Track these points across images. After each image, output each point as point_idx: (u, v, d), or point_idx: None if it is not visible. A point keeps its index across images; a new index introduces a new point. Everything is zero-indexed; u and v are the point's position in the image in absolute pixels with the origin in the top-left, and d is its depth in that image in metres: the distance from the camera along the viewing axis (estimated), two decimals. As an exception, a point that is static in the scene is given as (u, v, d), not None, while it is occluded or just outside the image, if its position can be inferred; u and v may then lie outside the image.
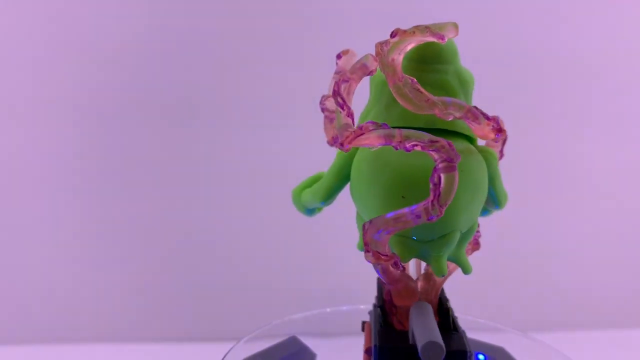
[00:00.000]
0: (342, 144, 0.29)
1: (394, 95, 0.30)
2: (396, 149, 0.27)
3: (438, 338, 0.27)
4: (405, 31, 0.29)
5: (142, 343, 0.66)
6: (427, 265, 0.33)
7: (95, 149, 0.65)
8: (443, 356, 0.26)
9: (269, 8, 0.64)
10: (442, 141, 0.26)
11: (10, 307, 0.67)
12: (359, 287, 0.39)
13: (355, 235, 0.33)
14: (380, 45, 0.30)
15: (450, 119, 0.29)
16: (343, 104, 0.30)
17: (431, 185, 0.27)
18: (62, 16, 0.63)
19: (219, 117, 0.65)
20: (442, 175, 0.26)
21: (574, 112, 0.68)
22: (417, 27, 0.29)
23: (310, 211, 0.38)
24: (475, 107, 0.29)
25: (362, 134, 0.28)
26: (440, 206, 0.26)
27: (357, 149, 0.33)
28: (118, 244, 0.67)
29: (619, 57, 0.67)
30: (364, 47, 0.35)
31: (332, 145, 0.29)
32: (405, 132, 0.27)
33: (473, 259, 0.32)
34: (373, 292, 0.38)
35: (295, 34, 0.65)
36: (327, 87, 0.35)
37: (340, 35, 0.63)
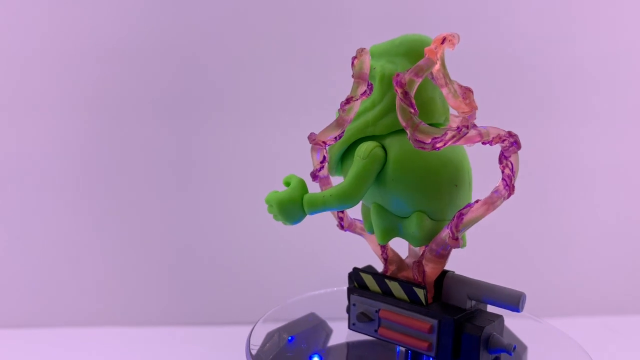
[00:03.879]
0: (444, 144, 0.30)
1: (446, 94, 0.33)
2: (484, 144, 0.31)
3: (516, 290, 0.33)
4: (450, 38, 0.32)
5: (164, 327, 0.70)
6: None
7: (104, 143, 0.67)
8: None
9: (269, 7, 0.65)
10: (515, 134, 0.32)
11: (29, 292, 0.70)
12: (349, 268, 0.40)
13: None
14: (435, 50, 0.32)
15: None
16: (415, 106, 0.31)
17: (506, 170, 0.32)
18: (63, 14, 0.64)
19: (223, 113, 0.67)
20: (514, 158, 0.32)
21: (577, 107, 0.70)
22: (453, 35, 0.33)
23: (300, 220, 0.35)
24: None
25: (467, 134, 0.30)
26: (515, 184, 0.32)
27: (384, 150, 0.34)
28: (136, 235, 0.69)
29: (617, 56, 0.70)
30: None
31: (427, 146, 0.30)
32: (491, 128, 0.31)
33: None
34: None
35: (295, 33, 0.66)
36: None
37: (340, 34, 0.64)
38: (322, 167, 0.37)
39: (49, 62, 0.65)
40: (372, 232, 0.38)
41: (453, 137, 0.30)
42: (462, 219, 0.32)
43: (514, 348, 0.34)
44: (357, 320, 0.38)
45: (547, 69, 0.69)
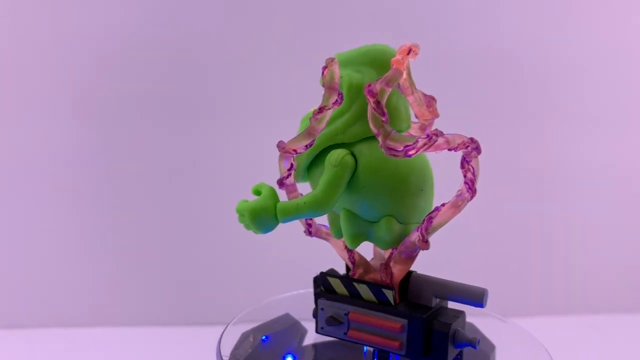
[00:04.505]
0: (417, 151, 0.31)
1: (412, 102, 0.34)
2: (449, 150, 0.33)
3: (479, 287, 0.35)
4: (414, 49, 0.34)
5: (139, 327, 0.71)
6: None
7: (89, 145, 0.69)
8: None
9: (259, 11, 0.67)
10: (477, 140, 0.34)
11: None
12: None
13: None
14: (402, 60, 0.33)
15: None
16: (386, 114, 0.32)
17: (467, 175, 0.34)
18: (60, 16, 0.66)
19: (209, 113, 0.69)
20: (475, 162, 0.34)
21: (572, 109, 0.72)
22: (416, 45, 0.34)
23: (272, 228, 0.35)
24: None
25: (436, 141, 0.31)
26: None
27: (354, 158, 0.34)
28: (111, 235, 0.71)
29: (615, 57, 0.72)
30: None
31: (399, 154, 0.31)
32: (455, 136, 0.33)
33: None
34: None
35: (284, 37, 0.68)
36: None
37: (324, 38, 0.67)
38: (289, 175, 0.38)
39: (34, 65, 0.67)
40: (339, 237, 0.39)
41: (424, 144, 0.31)
42: (432, 222, 0.33)
43: (478, 342, 0.36)
44: (326, 324, 0.39)
45: (546, 69, 0.71)
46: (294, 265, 0.68)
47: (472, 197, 0.34)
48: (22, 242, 0.71)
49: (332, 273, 0.40)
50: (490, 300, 0.35)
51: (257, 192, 0.36)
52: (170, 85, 0.68)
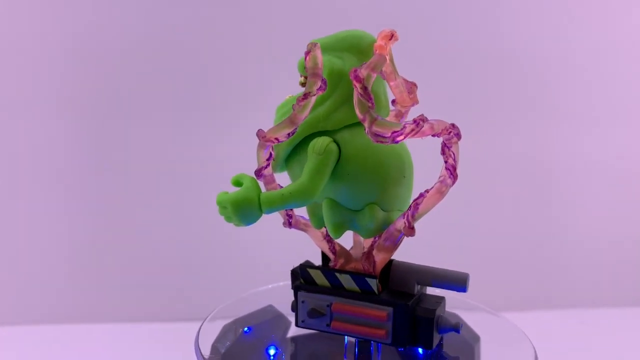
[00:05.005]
0: (404, 137, 0.31)
1: (394, 87, 0.34)
2: (433, 136, 0.33)
3: (462, 272, 0.36)
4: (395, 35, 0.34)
5: (121, 323, 0.70)
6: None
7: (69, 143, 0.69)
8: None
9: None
10: (457, 126, 0.34)
11: None
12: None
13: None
14: (385, 46, 0.32)
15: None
16: (373, 100, 0.31)
17: (449, 160, 0.34)
18: (44, 13, 0.66)
19: (181, 109, 0.69)
20: (455, 148, 0.34)
21: (565, 99, 0.72)
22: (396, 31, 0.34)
23: (256, 220, 0.34)
24: None
25: (422, 127, 0.31)
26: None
27: (338, 146, 0.34)
28: (89, 232, 0.71)
29: (612, 56, 0.72)
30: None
31: (387, 140, 0.31)
32: (439, 122, 0.33)
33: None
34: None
35: (262, 32, 0.68)
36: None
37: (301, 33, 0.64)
38: (267, 165, 0.37)
39: (38, 63, 0.67)
40: (320, 227, 0.38)
41: (412, 130, 0.31)
42: (418, 208, 0.33)
43: (461, 326, 0.36)
44: (308, 316, 0.38)
45: (545, 66, 0.72)
46: (270, 258, 0.68)
47: (453, 182, 0.34)
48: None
49: (311, 265, 0.40)
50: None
51: (238, 183, 0.35)
52: (150, 81, 0.68)
